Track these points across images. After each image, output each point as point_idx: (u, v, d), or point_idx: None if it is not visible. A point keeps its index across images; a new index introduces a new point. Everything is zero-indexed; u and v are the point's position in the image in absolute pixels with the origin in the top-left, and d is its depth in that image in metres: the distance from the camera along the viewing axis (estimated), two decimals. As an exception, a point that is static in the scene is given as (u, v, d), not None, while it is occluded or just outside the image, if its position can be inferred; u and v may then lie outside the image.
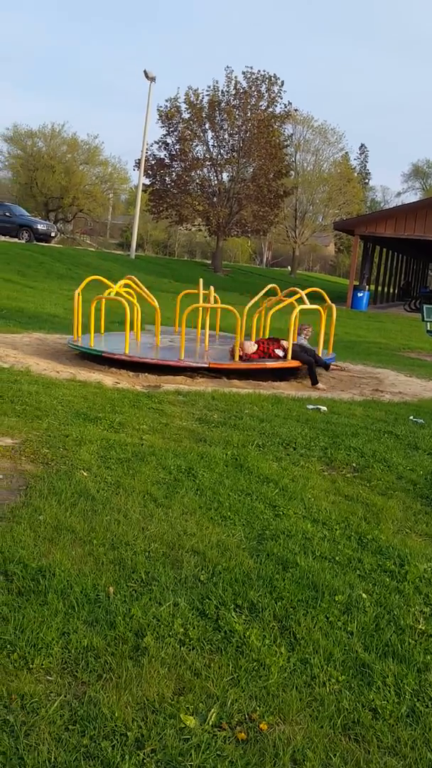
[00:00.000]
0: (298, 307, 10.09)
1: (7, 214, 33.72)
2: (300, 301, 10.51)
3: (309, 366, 9.71)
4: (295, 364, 9.72)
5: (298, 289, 10.75)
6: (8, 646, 2.79)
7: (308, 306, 10.34)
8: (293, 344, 9.83)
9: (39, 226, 34.54)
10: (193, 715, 2.52)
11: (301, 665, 2.90)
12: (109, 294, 10.59)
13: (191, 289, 13.74)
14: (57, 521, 4.00)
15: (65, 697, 2.54)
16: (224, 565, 3.69)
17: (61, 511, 4.14)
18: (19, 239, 32.64)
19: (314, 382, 9.61)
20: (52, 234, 36.01)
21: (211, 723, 2.49)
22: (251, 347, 9.81)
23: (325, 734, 2.51)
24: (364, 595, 3.53)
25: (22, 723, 2.37)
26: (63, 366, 9.18)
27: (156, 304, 10.91)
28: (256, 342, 10.06)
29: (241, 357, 9.68)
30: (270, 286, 12.79)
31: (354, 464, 5.79)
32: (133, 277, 11.51)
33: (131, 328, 10.40)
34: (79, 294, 10.25)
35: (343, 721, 2.60)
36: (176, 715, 2.50)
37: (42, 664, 2.70)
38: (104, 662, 2.77)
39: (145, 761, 2.27)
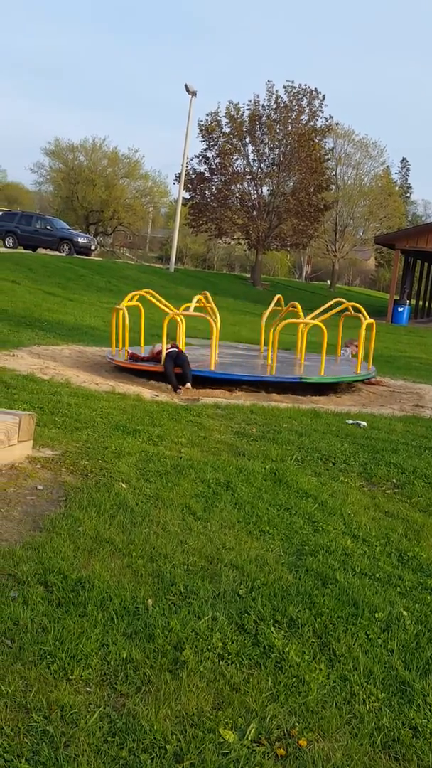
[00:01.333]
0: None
1: (48, 227, 34.19)
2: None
3: (166, 372, 9.53)
4: (160, 368, 9.63)
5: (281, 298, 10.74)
6: (48, 656, 2.81)
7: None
8: (172, 351, 9.81)
9: (79, 239, 34.93)
10: (232, 730, 2.51)
11: (341, 682, 2.88)
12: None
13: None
14: (96, 533, 4.03)
15: (104, 708, 2.55)
16: (263, 579, 3.68)
17: (100, 523, 4.17)
18: (60, 252, 33.08)
19: (174, 388, 9.35)
20: (92, 247, 36.40)
21: (250, 738, 2.48)
22: (151, 351, 10.28)
23: (365, 752, 2.49)
24: (404, 613, 3.49)
25: (62, 734, 2.39)
26: (102, 378, 9.26)
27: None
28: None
29: (131, 356, 10.19)
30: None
31: (394, 480, 5.73)
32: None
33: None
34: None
35: (383, 738, 2.57)
36: (215, 730, 2.49)
37: (81, 676, 2.72)
38: (143, 675, 2.77)
39: (183, 775, 2.27)
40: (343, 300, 11.67)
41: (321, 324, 10.59)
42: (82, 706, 2.54)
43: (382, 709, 2.73)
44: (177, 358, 9.74)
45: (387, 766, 2.44)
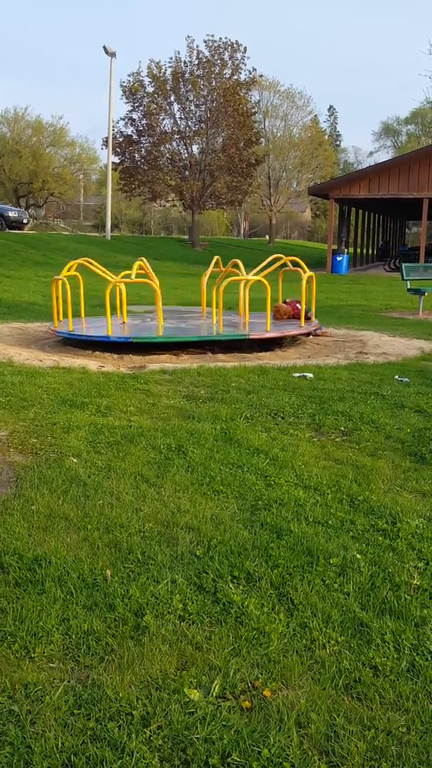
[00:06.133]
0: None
1: (-23, 204, 33.31)
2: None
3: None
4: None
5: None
6: (9, 637, 2.80)
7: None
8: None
9: (10, 214, 34.11)
10: (196, 689, 2.55)
11: (301, 629, 2.94)
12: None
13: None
14: (50, 510, 4.01)
15: (69, 682, 2.56)
16: (219, 538, 3.71)
17: (53, 500, 4.15)
18: (-8, 229, 32.29)
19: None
20: (24, 221, 35.60)
21: (215, 694, 2.52)
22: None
23: (328, 695, 2.55)
24: (358, 556, 3.56)
25: (28, 712, 2.40)
26: (46, 354, 9.15)
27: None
28: None
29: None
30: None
31: (342, 428, 5.81)
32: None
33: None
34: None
35: (344, 681, 2.63)
36: (180, 690, 2.53)
37: (44, 652, 2.73)
38: (105, 644, 2.79)
39: (151, 738, 2.30)
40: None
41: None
42: (47, 682, 2.55)
43: (342, 652, 2.80)
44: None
45: (350, 707, 2.51)
